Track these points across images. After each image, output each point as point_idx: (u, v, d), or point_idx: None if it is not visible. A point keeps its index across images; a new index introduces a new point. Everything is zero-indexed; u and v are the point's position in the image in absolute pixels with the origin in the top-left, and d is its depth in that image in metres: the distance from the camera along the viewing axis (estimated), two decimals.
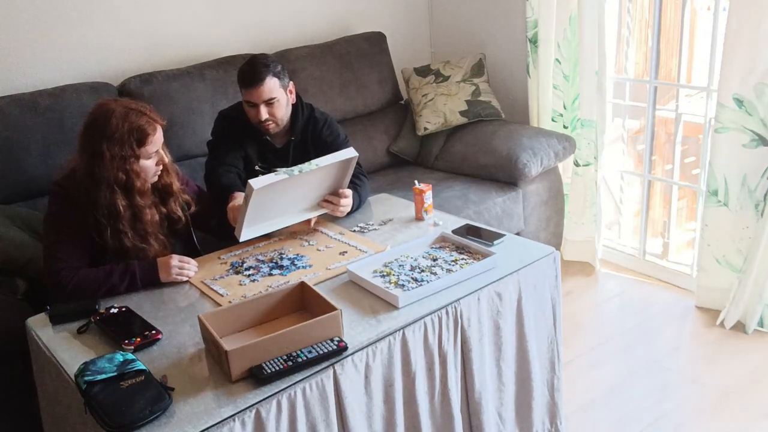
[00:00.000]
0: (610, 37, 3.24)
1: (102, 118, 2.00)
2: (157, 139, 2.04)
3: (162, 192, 2.17)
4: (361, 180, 2.52)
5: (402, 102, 3.81)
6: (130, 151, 1.99)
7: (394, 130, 3.66)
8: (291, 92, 2.47)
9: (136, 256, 2.07)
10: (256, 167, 2.44)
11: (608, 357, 2.85)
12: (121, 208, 2.01)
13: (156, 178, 2.13)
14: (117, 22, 3.07)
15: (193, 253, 2.32)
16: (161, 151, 2.09)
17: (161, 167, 2.11)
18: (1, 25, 2.81)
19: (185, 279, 2.05)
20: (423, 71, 3.64)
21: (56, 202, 2.07)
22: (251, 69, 2.37)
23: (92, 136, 2.00)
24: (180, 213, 2.20)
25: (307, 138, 2.55)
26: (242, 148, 2.48)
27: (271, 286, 1.98)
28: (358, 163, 2.54)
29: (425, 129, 3.53)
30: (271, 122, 2.42)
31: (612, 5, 3.26)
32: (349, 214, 2.39)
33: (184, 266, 2.05)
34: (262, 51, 3.37)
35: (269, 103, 2.38)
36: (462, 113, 3.49)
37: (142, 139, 2.00)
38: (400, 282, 1.93)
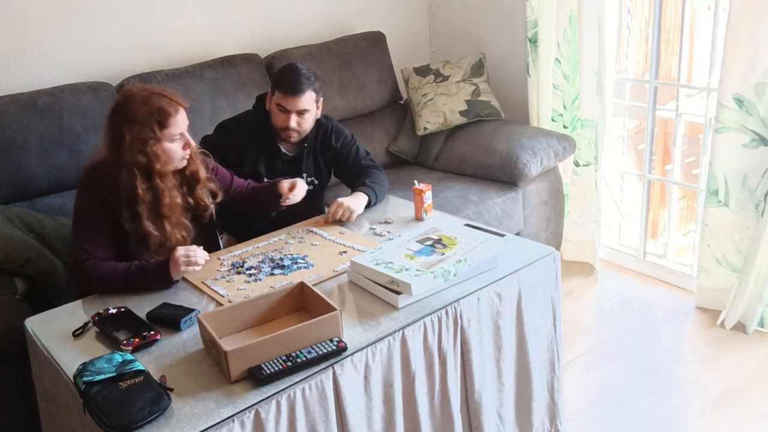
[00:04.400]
0: (610, 37, 3.23)
1: (124, 103, 2.02)
2: (179, 120, 2.04)
3: (189, 179, 2.17)
4: (373, 173, 2.56)
5: (402, 102, 3.80)
6: (151, 133, 2.00)
7: (393, 129, 3.66)
8: (319, 108, 2.51)
9: (157, 243, 2.06)
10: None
11: (608, 357, 2.85)
12: (140, 191, 2.02)
13: (185, 163, 2.12)
14: (116, 22, 3.06)
15: (214, 246, 2.32)
16: (187, 135, 2.09)
17: (188, 152, 2.11)
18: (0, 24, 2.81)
19: (197, 268, 1.99)
20: (423, 71, 3.64)
21: (82, 189, 2.09)
22: (296, 78, 2.41)
23: (114, 120, 2.03)
24: (207, 201, 2.20)
25: (316, 144, 2.59)
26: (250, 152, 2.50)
27: (273, 287, 1.98)
28: (370, 158, 2.65)
29: (425, 129, 3.52)
30: (295, 132, 2.47)
31: (612, 5, 3.26)
32: (366, 208, 2.45)
33: (189, 254, 1.98)
34: (262, 51, 3.39)
35: (300, 113, 2.43)
36: (462, 113, 3.48)
37: (163, 121, 2.01)
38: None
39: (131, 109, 2.00)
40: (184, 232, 2.14)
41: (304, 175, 2.57)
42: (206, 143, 2.59)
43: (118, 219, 2.03)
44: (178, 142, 2.07)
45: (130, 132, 1.99)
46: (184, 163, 2.13)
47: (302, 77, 2.41)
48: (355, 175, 2.59)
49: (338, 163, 2.64)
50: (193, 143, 2.12)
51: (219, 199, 2.25)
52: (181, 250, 1.99)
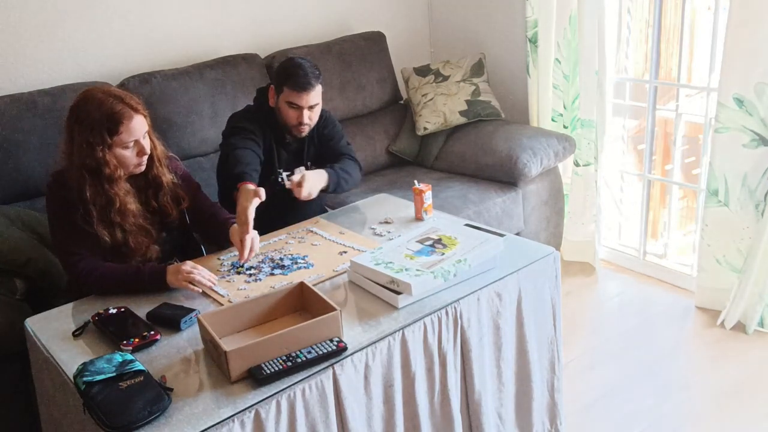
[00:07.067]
0: (610, 37, 3.23)
1: (79, 103, 1.99)
2: (134, 127, 1.97)
3: (152, 184, 2.13)
4: (347, 162, 2.57)
5: (401, 102, 3.80)
6: (99, 138, 1.94)
7: (393, 129, 3.66)
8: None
9: (108, 247, 2.03)
10: (279, 173, 2.45)
11: (608, 357, 2.85)
12: (89, 193, 1.98)
13: (141, 169, 2.07)
14: (116, 22, 3.06)
15: (195, 252, 2.31)
16: (142, 142, 2.02)
17: (144, 158, 2.05)
18: (0, 24, 2.80)
19: (196, 289, 1.95)
20: (423, 71, 3.64)
21: (48, 193, 2.06)
22: (305, 74, 2.40)
23: (68, 119, 2.00)
24: (171, 207, 2.16)
25: (313, 133, 2.60)
26: (264, 142, 2.48)
27: (273, 287, 1.98)
28: (350, 149, 2.67)
29: (425, 129, 3.52)
30: (308, 126, 2.48)
31: (612, 5, 3.26)
32: (323, 192, 2.41)
33: (192, 271, 1.96)
34: (262, 51, 3.39)
35: (311, 107, 2.44)
36: (462, 113, 3.48)
37: (113, 128, 1.95)
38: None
39: (84, 111, 1.96)
40: (146, 237, 2.09)
41: (308, 163, 2.57)
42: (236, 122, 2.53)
43: (76, 220, 2.00)
44: (132, 149, 2.01)
45: (79, 134, 1.96)
46: (141, 169, 2.07)
47: (309, 72, 2.41)
48: (331, 160, 2.59)
49: (324, 149, 2.63)
50: (148, 150, 2.04)
51: (185, 205, 2.21)
52: (188, 265, 1.98)
